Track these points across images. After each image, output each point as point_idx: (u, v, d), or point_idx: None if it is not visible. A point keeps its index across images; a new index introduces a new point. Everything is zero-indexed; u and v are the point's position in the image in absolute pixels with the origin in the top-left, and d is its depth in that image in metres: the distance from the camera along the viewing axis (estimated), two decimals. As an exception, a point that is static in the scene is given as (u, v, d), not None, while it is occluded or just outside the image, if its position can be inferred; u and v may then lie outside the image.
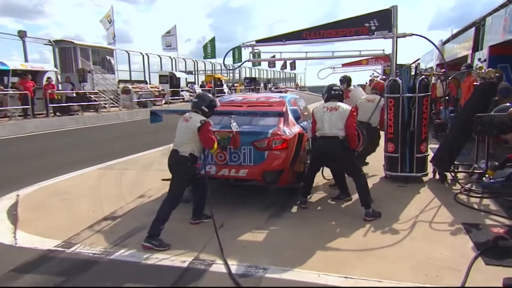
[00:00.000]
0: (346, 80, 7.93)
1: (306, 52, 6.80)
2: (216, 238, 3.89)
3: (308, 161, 5.51)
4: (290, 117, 5.51)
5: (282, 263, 3.36)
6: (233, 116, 4.75)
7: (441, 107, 9.90)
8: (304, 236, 3.94)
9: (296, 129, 5.33)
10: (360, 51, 6.34)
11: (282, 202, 5.03)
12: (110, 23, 25.50)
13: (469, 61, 9.67)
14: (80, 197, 5.57)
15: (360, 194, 4.45)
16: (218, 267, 3.36)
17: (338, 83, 7.24)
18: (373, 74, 24.26)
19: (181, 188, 4.00)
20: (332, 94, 4.71)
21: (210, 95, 4.30)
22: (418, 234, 3.92)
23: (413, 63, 20.74)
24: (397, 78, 5.70)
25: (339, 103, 4.62)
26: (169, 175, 4.59)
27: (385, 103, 5.83)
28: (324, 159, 4.69)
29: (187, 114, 4.15)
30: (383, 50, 6.07)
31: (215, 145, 3.91)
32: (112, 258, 3.58)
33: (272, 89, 41.98)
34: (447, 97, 9.49)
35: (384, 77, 17.20)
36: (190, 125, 3.93)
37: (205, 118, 3.96)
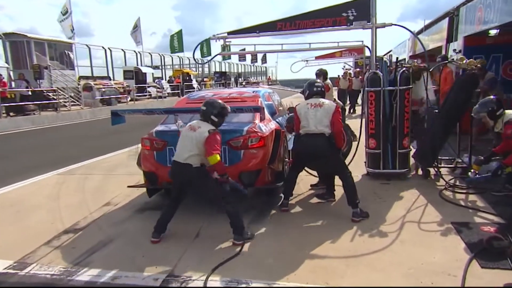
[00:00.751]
0: (322, 74, 7.78)
1: (282, 44, 6.57)
2: (191, 250, 3.66)
3: (286, 159, 5.39)
4: (266, 112, 5.33)
5: (266, 275, 3.15)
6: None
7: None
8: (287, 244, 3.76)
9: (273, 125, 5.19)
10: (338, 42, 6.19)
11: (261, 205, 4.84)
12: (65, 15, 24.35)
13: (443, 52, 9.78)
14: (36, 208, 5.15)
15: (348, 194, 4.33)
16: (196, 283, 3.10)
17: (314, 77, 7.13)
18: (344, 66, 24.59)
19: (221, 190, 3.79)
20: (314, 91, 4.55)
21: (220, 101, 4.01)
22: (408, 236, 3.81)
23: (385, 54, 21.04)
24: (378, 71, 5.59)
25: (323, 100, 4.47)
26: (135, 181, 4.29)
27: (366, 97, 5.71)
28: (309, 158, 4.49)
29: (195, 122, 3.93)
30: (362, 41, 5.96)
31: (217, 156, 3.69)
32: (74, 279, 3.25)
33: (243, 83, 41.77)
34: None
35: (358, 69, 17.35)
36: (198, 136, 3.76)
37: (214, 128, 3.81)
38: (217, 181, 3.79)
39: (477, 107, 4.82)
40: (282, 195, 4.72)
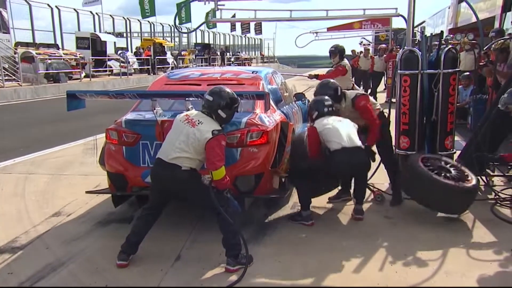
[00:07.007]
0: (338, 52, 7.75)
1: (291, 11, 6.47)
2: (170, 277, 3.63)
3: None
4: (270, 100, 5.31)
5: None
6: (190, 99, 4.46)
7: (460, 86, 10.05)
8: (296, 273, 3.74)
9: (278, 116, 5.21)
10: (364, 9, 6.13)
11: (260, 219, 4.84)
12: None
13: (497, 24, 9.79)
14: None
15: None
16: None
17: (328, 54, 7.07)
18: (362, 42, 24.69)
19: (215, 199, 3.73)
20: (325, 111, 4.86)
21: (227, 89, 3.96)
22: (454, 266, 3.79)
23: (416, 26, 21.15)
24: (415, 49, 5.55)
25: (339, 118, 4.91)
26: (95, 184, 4.24)
27: (399, 82, 5.68)
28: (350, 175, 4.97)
29: (194, 114, 3.88)
30: (396, 8, 5.91)
31: (223, 169, 3.70)
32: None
33: (232, 60, 41.67)
34: (467, 73, 9.62)
35: (383, 45, 17.36)
36: (197, 135, 3.71)
37: (219, 128, 3.77)
38: (206, 191, 3.77)
39: (506, 97, 4.79)
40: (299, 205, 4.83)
